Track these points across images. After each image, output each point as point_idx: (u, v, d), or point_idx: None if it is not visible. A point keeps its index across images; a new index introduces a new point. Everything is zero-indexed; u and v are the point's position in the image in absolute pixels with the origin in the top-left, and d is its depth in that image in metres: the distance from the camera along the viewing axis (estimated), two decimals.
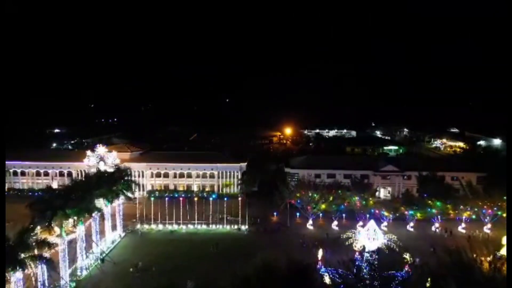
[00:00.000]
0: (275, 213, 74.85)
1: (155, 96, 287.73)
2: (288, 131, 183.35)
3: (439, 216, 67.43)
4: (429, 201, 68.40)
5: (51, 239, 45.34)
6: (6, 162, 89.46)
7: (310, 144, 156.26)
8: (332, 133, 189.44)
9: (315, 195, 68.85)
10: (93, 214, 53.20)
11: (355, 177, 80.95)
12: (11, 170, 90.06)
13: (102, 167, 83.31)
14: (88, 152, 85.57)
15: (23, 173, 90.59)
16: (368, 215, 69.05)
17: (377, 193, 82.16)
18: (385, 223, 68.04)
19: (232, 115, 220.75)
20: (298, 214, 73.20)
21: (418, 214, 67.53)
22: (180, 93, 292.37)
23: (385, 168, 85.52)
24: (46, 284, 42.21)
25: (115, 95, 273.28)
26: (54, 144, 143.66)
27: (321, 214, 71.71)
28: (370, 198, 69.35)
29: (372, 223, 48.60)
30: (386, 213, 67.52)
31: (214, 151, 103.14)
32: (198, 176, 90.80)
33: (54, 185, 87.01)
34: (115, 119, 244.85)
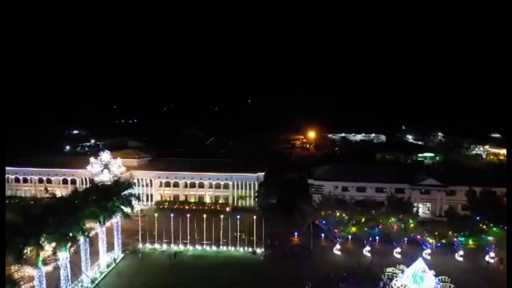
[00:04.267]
0: (296, 233, 64.94)
1: (177, 97, 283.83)
2: (312, 134, 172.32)
3: (493, 245, 55.68)
4: (483, 225, 56.59)
5: (24, 271, 37.77)
6: (9, 168, 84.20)
7: (336, 148, 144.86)
8: (359, 137, 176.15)
9: (344, 216, 58.46)
10: (80, 238, 45.13)
11: (390, 192, 69.69)
12: (12, 177, 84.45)
13: (106, 175, 76.08)
14: (92, 159, 78.60)
15: (25, 180, 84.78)
16: (406, 239, 58.63)
17: (414, 208, 70.48)
18: (428, 251, 56.95)
19: (252, 117, 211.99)
20: (323, 234, 63.01)
21: (470, 242, 55.99)
22: (202, 93, 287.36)
23: (425, 181, 73.79)
24: None
25: (139, 95, 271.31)
26: (68, 147, 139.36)
27: (349, 237, 61.36)
28: (410, 220, 58.20)
29: (420, 263, 38.18)
30: (430, 240, 56.24)
31: (229, 158, 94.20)
32: (211, 187, 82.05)
33: (59, 193, 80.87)
34: (135, 120, 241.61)
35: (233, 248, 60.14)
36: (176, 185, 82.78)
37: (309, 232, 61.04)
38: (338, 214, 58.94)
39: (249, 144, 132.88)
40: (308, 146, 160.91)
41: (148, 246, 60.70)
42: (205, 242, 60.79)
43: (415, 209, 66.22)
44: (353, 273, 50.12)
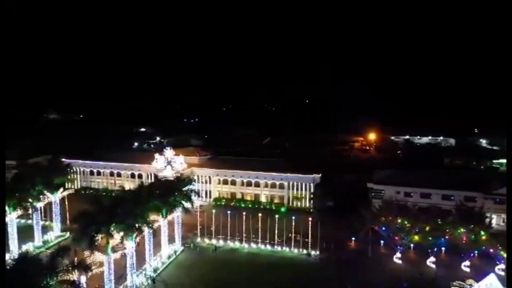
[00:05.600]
0: (353, 238, 62.84)
1: (236, 96, 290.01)
2: (372, 136, 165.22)
3: None
4: None
5: (96, 257, 41.19)
6: (85, 162, 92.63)
7: (398, 152, 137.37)
8: (425, 140, 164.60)
9: (406, 223, 55.28)
10: (145, 229, 48.09)
11: (459, 201, 64.36)
12: (87, 170, 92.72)
13: (169, 171, 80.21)
14: (157, 155, 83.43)
15: (98, 173, 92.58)
16: (476, 252, 53.81)
17: (486, 219, 64.20)
18: (501, 266, 51.73)
19: (310, 117, 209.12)
20: (382, 242, 60.21)
21: None
22: (258, 93, 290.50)
23: (501, 190, 66.90)
24: None
25: (200, 94, 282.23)
26: (136, 144, 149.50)
27: (412, 245, 57.91)
28: (482, 232, 53.25)
29: (492, 279, 34.80)
30: (504, 254, 50.98)
31: (285, 158, 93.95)
32: (266, 186, 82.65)
33: (127, 186, 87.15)
34: (196, 119, 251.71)
35: (287, 249, 59.97)
36: (233, 183, 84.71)
37: (367, 238, 58.70)
38: (399, 221, 55.89)
39: (306, 144, 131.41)
40: (368, 148, 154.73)
41: (206, 241, 62.83)
42: (260, 240, 61.39)
43: (487, 220, 60.44)
44: (415, 285, 47.18)
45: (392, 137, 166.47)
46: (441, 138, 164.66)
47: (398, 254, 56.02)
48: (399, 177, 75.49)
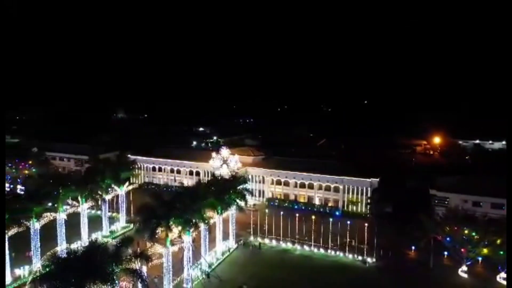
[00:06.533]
0: (412, 247, 59.40)
1: (291, 97, 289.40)
2: (437, 140, 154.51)
3: None
4: None
5: (156, 248, 43.68)
6: (148, 158, 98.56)
7: (466, 157, 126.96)
8: (498, 145, 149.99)
9: (474, 234, 50.97)
10: (201, 225, 49.94)
11: None
12: (150, 166, 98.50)
13: (225, 170, 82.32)
14: (213, 154, 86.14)
15: (160, 169, 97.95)
16: None
17: None
18: None
19: (369, 119, 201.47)
20: (446, 253, 56.16)
21: None
22: (316, 94, 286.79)
23: None
24: None
25: (256, 95, 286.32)
26: (195, 143, 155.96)
27: (480, 259, 53.26)
28: None
29: None
30: None
31: (341, 161, 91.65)
32: (320, 188, 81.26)
33: (186, 182, 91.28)
34: (252, 119, 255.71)
35: (341, 254, 58.44)
36: (286, 183, 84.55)
37: (429, 248, 55.07)
38: (466, 231, 51.63)
39: (364, 147, 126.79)
40: (431, 152, 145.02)
41: (259, 240, 63.48)
42: (312, 243, 60.60)
43: None
44: None
45: (460, 141, 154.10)
46: None
47: (464, 267, 51.84)
48: (466, 184, 69.83)
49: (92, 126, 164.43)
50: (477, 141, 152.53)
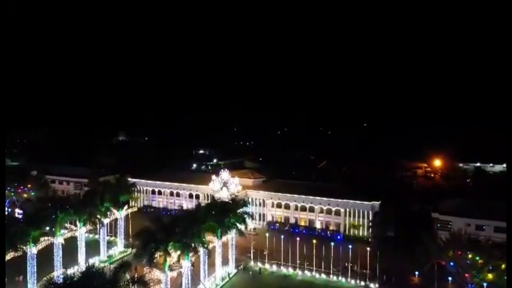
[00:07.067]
0: (416, 273, 58.19)
1: (290, 121, 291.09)
2: (437, 162, 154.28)
3: None
4: None
5: (154, 274, 42.86)
6: (147, 181, 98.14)
7: (468, 180, 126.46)
8: (499, 168, 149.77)
9: (477, 259, 50.03)
10: (200, 249, 49.15)
11: None
12: (150, 189, 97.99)
13: (225, 193, 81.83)
14: (213, 177, 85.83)
15: (159, 192, 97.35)
16: None
17: None
18: None
19: (369, 142, 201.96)
20: (450, 278, 54.93)
21: None
22: (314, 117, 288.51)
23: None
24: None
25: (255, 118, 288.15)
26: (194, 165, 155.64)
27: (485, 284, 51.95)
28: None
29: None
30: None
31: (341, 183, 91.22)
32: (321, 212, 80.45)
33: (185, 205, 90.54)
34: (252, 142, 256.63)
35: (343, 279, 57.22)
36: (287, 206, 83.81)
37: (432, 273, 53.91)
38: (470, 256, 50.70)
39: (364, 169, 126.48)
40: (432, 175, 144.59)
41: (259, 265, 62.28)
42: (314, 268, 59.41)
43: None
44: None
45: (461, 164, 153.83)
46: None
47: None
48: (468, 207, 69.26)
49: (93, 149, 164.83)
50: (478, 164, 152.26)
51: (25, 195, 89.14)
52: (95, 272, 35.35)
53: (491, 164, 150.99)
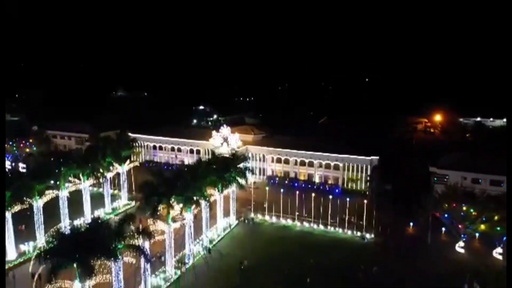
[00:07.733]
0: (411, 224, 60.26)
1: (291, 76, 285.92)
2: (438, 117, 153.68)
3: None
4: None
5: (158, 225, 44.24)
6: (148, 137, 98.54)
7: (467, 135, 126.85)
8: (499, 122, 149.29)
9: (472, 210, 51.60)
10: (202, 202, 50.45)
11: None
12: (151, 144, 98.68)
13: (225, 148, 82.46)
14: (214, 132, 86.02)
15: (161, 148, 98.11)
16: None
17: None
18: None
19: (369, 96, 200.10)
20: (443, 229, 57.05)
21: None
22: (314, 71, 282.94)
23: None
24: (148, 273, 40.89)
25: (257, 73, 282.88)
26: (195, 121, 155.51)
27: (477, 235, 54.10)
28: None
29: None
30: None
31: (341, 138, 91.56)
32: (320, 166, 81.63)
33: (186, 161, 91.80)
34: (252, 98, 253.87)
35: (340, 230, 59.37)
36: (286, 161, 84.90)
37: (427, 224, 55.89)
38: (465, 208, 52.27)
39: (364, 125, 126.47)
40: (432, 130, 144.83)
41: (259, 216, 64.34)
42: (312, 220, 61.43)
43: None
44: (479, 277, 44.35)
45: (461, 119, 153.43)
46: None
47: (461, 243, 52.74)
48: (466, 162, 70.14)
49: (92, 105, 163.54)
50: (478, 119, 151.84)
51: (27, 150, 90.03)
52: (101, 223, 36.52)
53: (491, 119, 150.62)
